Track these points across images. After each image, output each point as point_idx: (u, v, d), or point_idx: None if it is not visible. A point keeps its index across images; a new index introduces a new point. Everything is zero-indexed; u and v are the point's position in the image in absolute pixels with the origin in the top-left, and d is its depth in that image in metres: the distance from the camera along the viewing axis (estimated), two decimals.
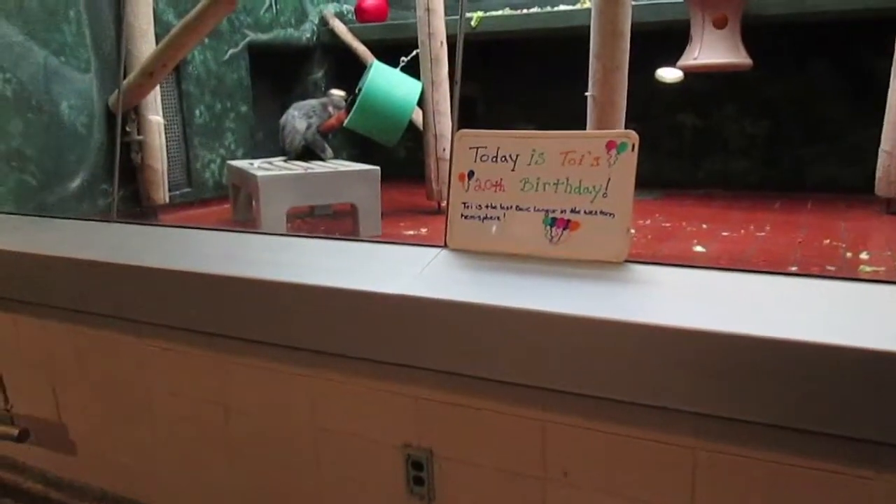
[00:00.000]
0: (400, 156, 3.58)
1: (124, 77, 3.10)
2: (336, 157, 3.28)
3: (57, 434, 1.79)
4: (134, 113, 3.17)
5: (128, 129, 3.17)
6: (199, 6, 2.91)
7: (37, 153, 2.85)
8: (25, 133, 2.80)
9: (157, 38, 3.16)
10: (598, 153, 1.20)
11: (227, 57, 3.80)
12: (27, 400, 1.77)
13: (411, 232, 2.83)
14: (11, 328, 1.79)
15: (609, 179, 1.19)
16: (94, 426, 1.75)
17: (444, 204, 3.30)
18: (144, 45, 3.15)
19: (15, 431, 1.68)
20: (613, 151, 1.19)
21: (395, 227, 2.90)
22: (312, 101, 3.30)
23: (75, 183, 3.04)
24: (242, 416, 1.47)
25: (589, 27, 2.16)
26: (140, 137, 3.19)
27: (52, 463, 1.84)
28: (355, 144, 4.23)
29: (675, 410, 0.99)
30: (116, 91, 3.15)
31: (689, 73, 3.31)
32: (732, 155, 3.94)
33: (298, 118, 3.19)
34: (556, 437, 1.11)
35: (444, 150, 3.20)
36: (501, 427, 1.15)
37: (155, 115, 3.24)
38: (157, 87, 3.22)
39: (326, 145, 3.18)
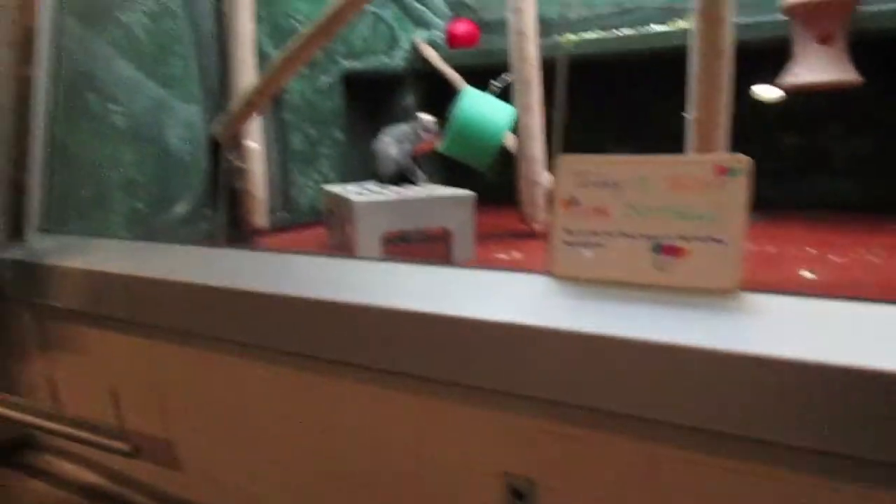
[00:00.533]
0: (490, 180, 3.57)
1: (227, 107, 3.24)
2: (428, 181, 3.31)
3: (165, 451, 1.86)
4: (235, 141, 3.30)
5: (229, 156, 3.30)
6: (297, 38, 3.02)
7: (146, 181, 2.99)
8: (137, 162, 2.95)
9: (258, 70, 3.29)
10: (707, 178, 1.17)
11: (322, 85, 3.91)
12: (138, 417, 1.84)
13: (505, 256, 2.81)
14: (124, 348, 1.88)
15: (719, 205, 1.16)
16: (200, 444, 1.81)
17: (536, 228, 3.28)
18: (246, 76, 3.28)
19: (128, 447, 1.75)
20: (723, 176, 1.15)
21: (488, 251, 2.89)
22: (404, 126, 3.34)
23: (180, 208, 3.18)
24: (345, 440, 1.49)
25: (684, 47, 2.11)
26: (241, 164, 3.31)
27: (160, 479, 1.91)
28: (446, 168, 4.27)
29: (799, 448, 0.94)
30: (219, 120, 3.28)
31: (792, 91, 3.19)
32: (838, 175, 3.77)
33: (391, 143, 3.24)
34: (668, 472, 1.07)
35: (537, 173, 3.18)
36: (609, 459, 1.12)
37: (254, 142, 3.36)
38: (258, 117, 3.34)
39: (419, 170, 3.21)
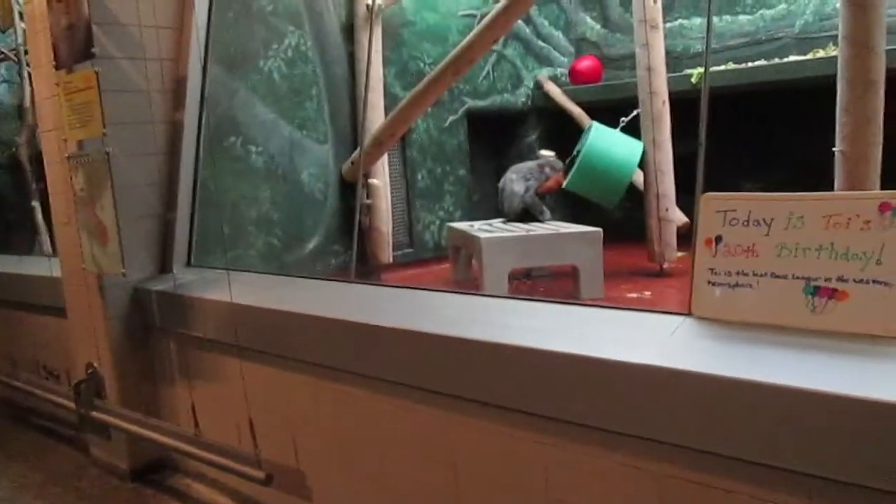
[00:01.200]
0: (616, 216, 3.51)
1: (357, 147, 3.35)
2: (552, 217, 3.28)
3: (296, 480, 1.90)
4: (364, 180, 3.40)
5: (361, 194, 3.40)
6: (424, 79, 3.10)
7: (281, 218, 3.13)
8: (272, 200, 3.10)
9: (386, 110, 3.39)
10: (868, 216, 1.08)
11: (447, 124, 3.98)
12: (271, 446, 1.90)
13: (634, 295, 2.74)
14: (261, 378, 1.95)
15: (883, 245, 1.07)
16: (329, 475, 1.83)
17: (665, 266, 3.17)
18: (375, 115, 3.38)
19: (262, 475, 1.80)
20: (888, 214, 1.07)
21: (616, 289, 2.83)
22: (530, 164, 3.34)
23: (311, 244, 3.30)
24: (472, 478, 1.47)
25: (823, 76, 2.00)
26: (368, 201, 3.40)
27: None
28: (571, 205, 4.23)
29: None
30: (349, 159, 3.39)
31: None
32: None
33: (517, 181, 3.24)
34: None
35: (666, 210, 3.09)
36: None
37: (380, 180, 3.45)
38: (385, 155, 3.43)
39: (545, 207, 3.20)
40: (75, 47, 2.06)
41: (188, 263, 2.44)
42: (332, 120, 3.40)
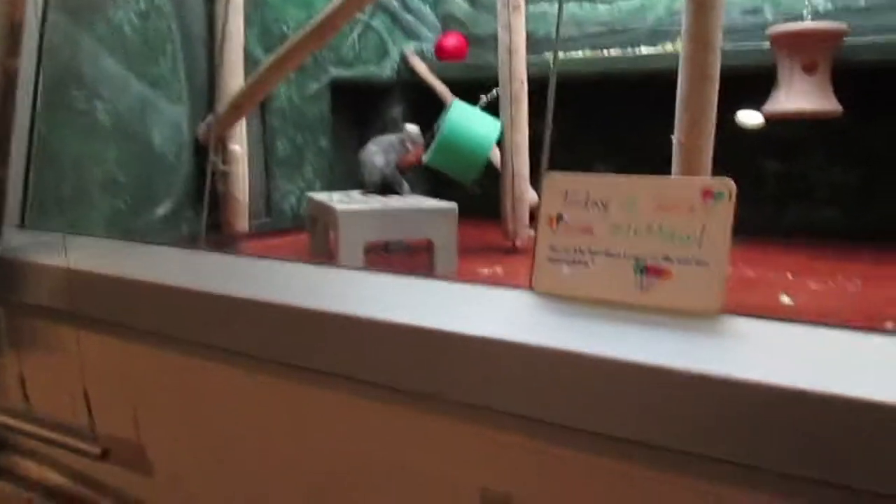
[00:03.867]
0: (473, 193, 3.58)
1: (214, 109, 3.22)
2: (413, 192, 3.31)
3: (135, 455, 1.83)
4: (220, 144, 3.28)
5: (213, 158, 3.28)
6: (287, 43, 3.01)
7: (129, 180, 2.96)
8: (119, 160, 2.92)
9: (246, 74, 3.28)
10: (693, 201, 1.17)
11: (310, 92, 3.90)
12: (109, 419, 1.81)
13: (487, 270, 2.82)
14: (99, 348, 1.86)
15: (704, 228, 1.16)
16: (171, 450, 1.78)
17: (518, 243, 3.28)
18: (234, 79, 3.26)
19: (97, 449, 1.72)
20: (710, 200, 1.16)
21: (470, 264, 2.90)
22: (391, 137, 3.34)
23: (162, 210, 3.15)
24: (319, 450, 1.47)
25: (670, 71, 2.14)
26: (225, 167, 3.29)
27: (128, 483, 1.88)
28: (430, 180, 4.27)
29: (773, 472, 0.94)
30: (205, 122, 3.26)
31: (774, 119, 3.23)
32: (817, 203, 3.82)
33: (377, 153, 3.24)
34: (642, 491, 1.07)
35: (521, 190, 3.19)
36: (585, 477, 1.12)
37: (239, 146, 3.34)
38: (244, 120, 3.32)
39: (404, 181, 3.21)
40: None
41: (21, 225, 2.26)
42: (188, 80, 3.25)
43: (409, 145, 3.26)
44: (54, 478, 2.06)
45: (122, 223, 2.94)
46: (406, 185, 3.22)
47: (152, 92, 3.07)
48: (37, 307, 1.97)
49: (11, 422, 1.88)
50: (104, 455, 1.71)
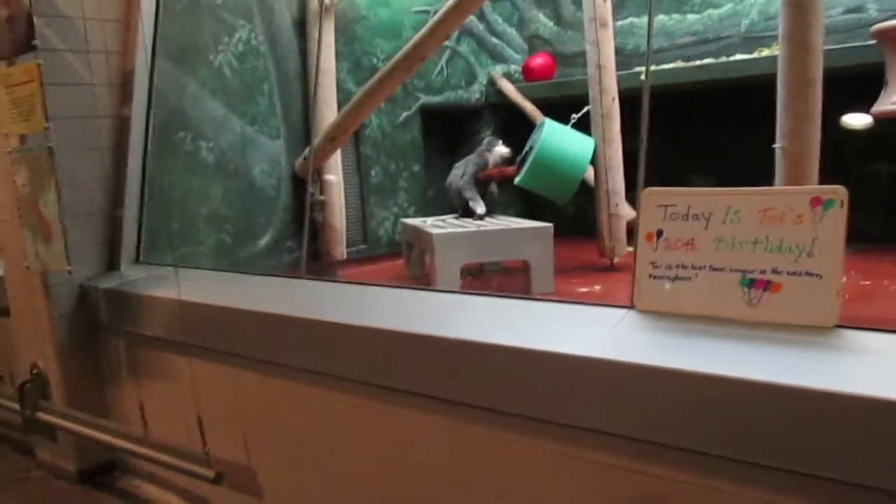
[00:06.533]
0: (568, 212, 3.55)
1: (310, 143, 3.33)
2: (504, 213, 3.30)
3: (247, 478, 1.89)
4: (316, 175, 3.38)
5: (311, 190, 3.38)
6: (377, 74, 3.09)
7: (232, 214, 3.09)
8: (223, 196, 3.06)
9: (339, 106, 3.37)
10: (801, 210, 1.12)
11: (401, 120, 3.97)
12: (221, 445, 1.88)
13: (584, 289, 2.77)
14: (210, 376, 1.93)
15: (815, 238, 1.11)
16: (281, 473, 1.83)
17: (616, 261, 3.22)
18: (329, 112, 3.36)
19: (211, 473, 1.78)
20: (819, 208, 1.11)
21: (567, 284, 2.86)
22: (471, 155, 3.35)
23: (263, 241, 3.27)
24: (423, 472, 1.48)
25: (768, 75, 2.06)
26: (321, 198, 3.38)
27: None
28: (523, 201, 4.26)
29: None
30: (301, 155, 3.37)
31: (885, 119, 3.05)
32: None
33: (456, 175, 3.26)
34: None
35: (616, 206, 3.14)
36: (692, 498, 1.08)
37: (334, 176, 3.43)
38: (338, 150, 3.41)
39: (477, 194, 3.17)
40: (16, 39, 2.01)
41: (136, 261, 2.40)
42: (284, 115, 3.37)
43: (488, 156, 3.25)
44: (172, 500, 2.15)
45: (228, 255, 3.06)
46: (480, 201, 3.17)
47: (252, 129, 3.20)
48: (152, 338, 2.08)
49: (132, 447, 1.98)
50: (218, 478, 1.77)
